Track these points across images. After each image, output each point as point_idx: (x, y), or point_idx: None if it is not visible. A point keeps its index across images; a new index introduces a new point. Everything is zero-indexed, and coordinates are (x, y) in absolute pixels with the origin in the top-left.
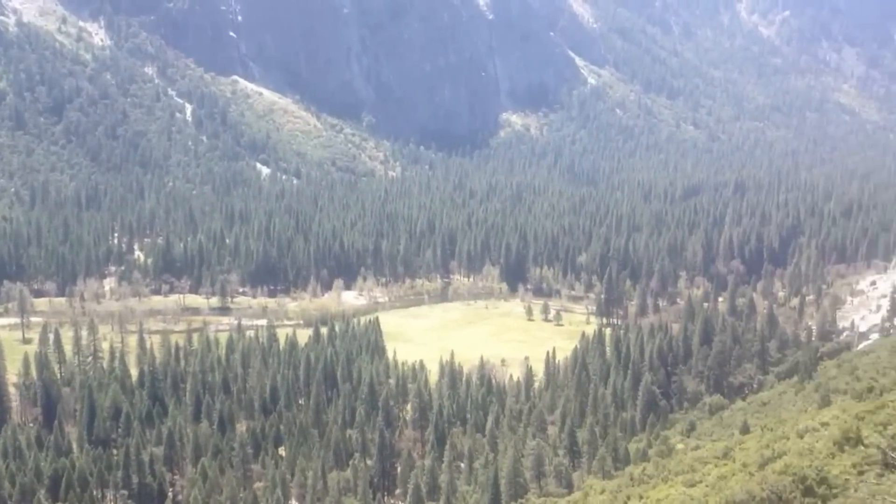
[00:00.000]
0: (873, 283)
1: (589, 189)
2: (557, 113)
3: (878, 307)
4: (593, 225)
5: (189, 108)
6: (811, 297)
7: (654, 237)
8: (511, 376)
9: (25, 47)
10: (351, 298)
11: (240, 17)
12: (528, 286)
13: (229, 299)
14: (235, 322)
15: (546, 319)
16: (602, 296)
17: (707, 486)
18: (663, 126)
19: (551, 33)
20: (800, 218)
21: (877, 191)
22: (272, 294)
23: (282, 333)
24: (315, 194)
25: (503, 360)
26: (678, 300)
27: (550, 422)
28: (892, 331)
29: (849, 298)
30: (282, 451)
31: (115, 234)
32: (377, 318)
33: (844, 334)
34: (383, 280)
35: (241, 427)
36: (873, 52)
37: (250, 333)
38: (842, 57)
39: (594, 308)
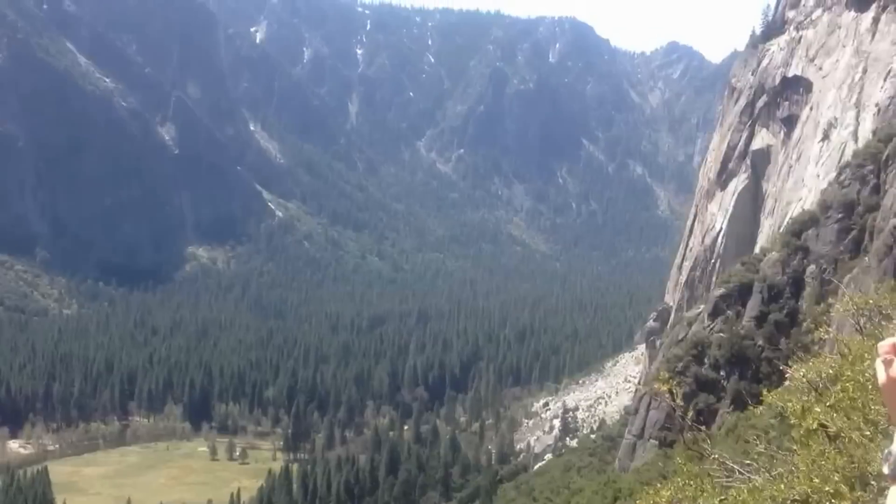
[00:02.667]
0: (546, 404)
1: (277, 322)
2: (245, 246)
3: (552, 428)
4: (281, 358)
5: None
6: (490, 421)
7: (342, 368)
8: None
9: None
10: (17, 448)
11: None
12: (213, 424)
13: None
14: None
15: (231, 458)
16: (289, 430)
17: None
18: (350, 258)
19: (238, 167)
20: (478, 344)
21: (546, 316)
22: None
23: None
24: None
25: None
26: (365, 430)
27: None
28: (563, 450)
29: (524, 420)
30: None
31: None
32: (46, 469)
33: (521, 456)
34: (55, 426)
35: None
36: (539, 187)
37: None
38: (512, 192)
39: (282, 443)
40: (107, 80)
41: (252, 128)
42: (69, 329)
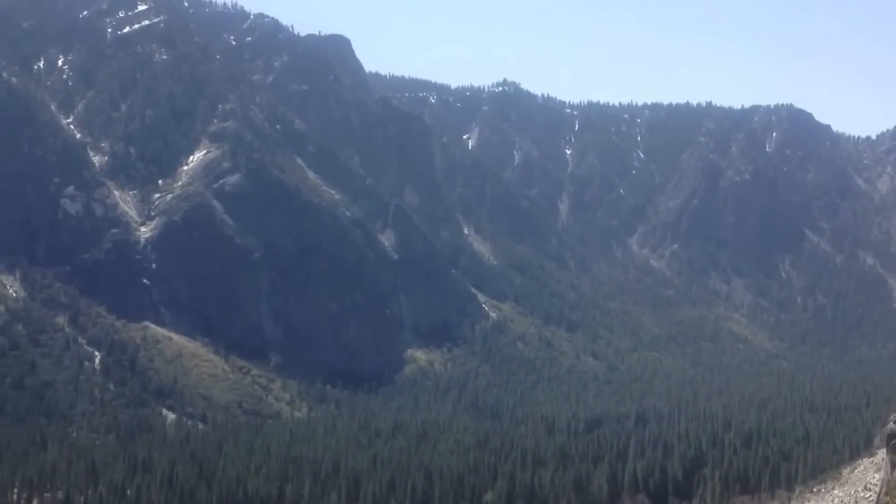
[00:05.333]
0: None
1: (493, 423)
2: (461, 348)
3: None
4: (498, 461)
5: (98, 356)
6: None
7: (560, 472)
8: None
9: None
10: None
11: (154, 265)
12: None
13: None
14: None
15: None
16: None
17: None
18: (564, 358)
19: (453, 271)
20: (702, 448)
21: (774, 419)
22: None
23: None
24: (220, 439)
25: None
26: None
27: None
28: None
29: None
30: None
31: (15, 490)
32: None
33: None
34: None
35: None
36: (761, 282)
37: None
38: (731, 287)
39: None
40: (332, 191)
41: (466, 232)
42: (300, 432)
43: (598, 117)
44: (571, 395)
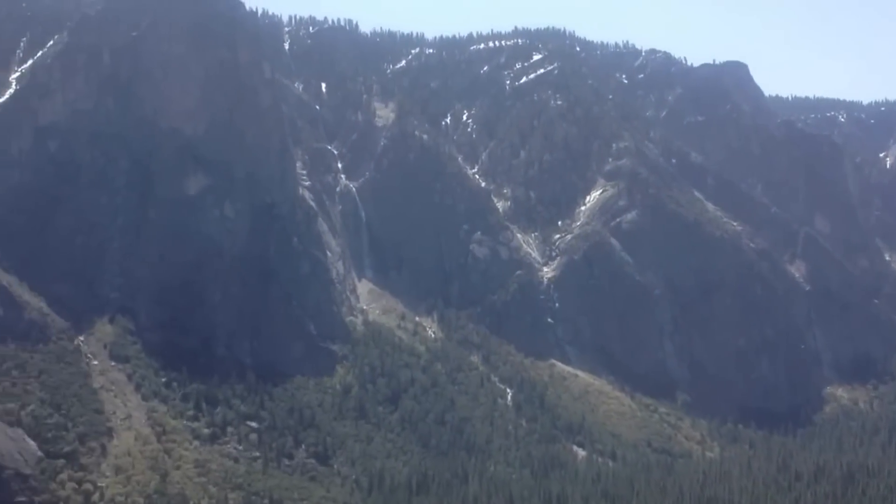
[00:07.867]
0: None
1: None
2: (888, 385)
3: None
4: None
5: (510, 393)
6: None
7: None
8: None
9: (370, 343)
10: None
11: (557, 304)
12: None
13: None
14: None
15: None
16: None
17: None
18: None
19: (875, 301)
20: None
21: None
22: None
23: None
24: (630, 477)
25: None
26: None
27: None
28: None
29: None
30: None
31: None
32: None
33: None
34: None
35: None
36: None
37: None
38: None
39: None
40: (734, 223)
41: (888, 258)
42: (713, 472)
43: None
44: None
